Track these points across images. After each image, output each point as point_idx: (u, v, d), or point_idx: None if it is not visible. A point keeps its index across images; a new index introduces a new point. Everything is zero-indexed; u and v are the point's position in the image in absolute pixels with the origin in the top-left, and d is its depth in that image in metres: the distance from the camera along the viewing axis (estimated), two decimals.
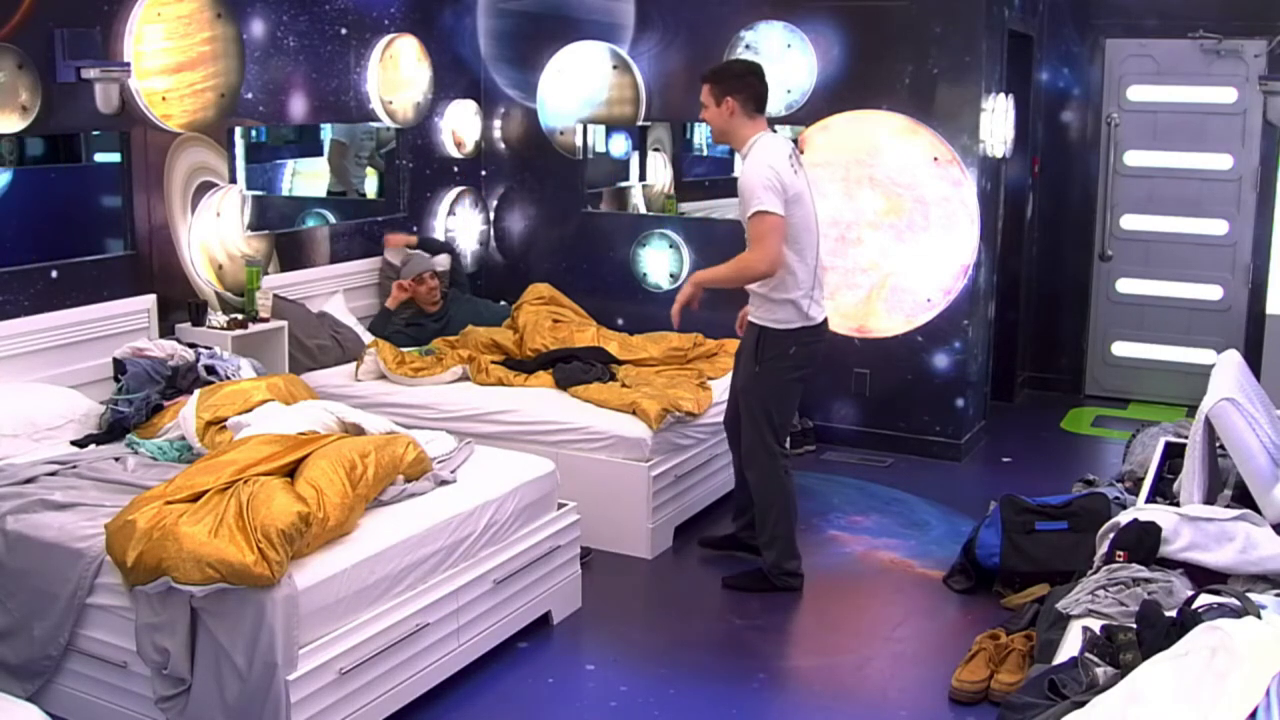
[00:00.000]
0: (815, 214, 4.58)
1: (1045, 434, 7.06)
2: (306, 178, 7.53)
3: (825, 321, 4.65)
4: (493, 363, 5.73)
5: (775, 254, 4.35)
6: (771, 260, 4.35)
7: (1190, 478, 3.67)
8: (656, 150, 8.31)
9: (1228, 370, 3.90)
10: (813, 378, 4.77)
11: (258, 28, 5.76)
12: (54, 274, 4.93)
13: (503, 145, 7.36)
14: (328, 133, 7.36)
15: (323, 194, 7.40)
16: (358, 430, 4.22)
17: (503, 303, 6.73)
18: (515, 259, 7.43)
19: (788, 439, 4.85)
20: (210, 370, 4.88)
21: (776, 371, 4.57)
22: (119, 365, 4.76)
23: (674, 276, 6.92)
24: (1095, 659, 2.66)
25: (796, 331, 4.52)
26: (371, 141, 7.23)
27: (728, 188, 7.93)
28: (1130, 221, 7.56)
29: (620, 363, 5.79)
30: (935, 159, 6.21)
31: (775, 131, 4.71)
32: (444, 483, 4.05)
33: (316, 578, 3.35)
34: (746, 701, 3.91)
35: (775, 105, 6.52)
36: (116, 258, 5.25)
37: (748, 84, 4.50)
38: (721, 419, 5.44)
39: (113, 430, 4.54)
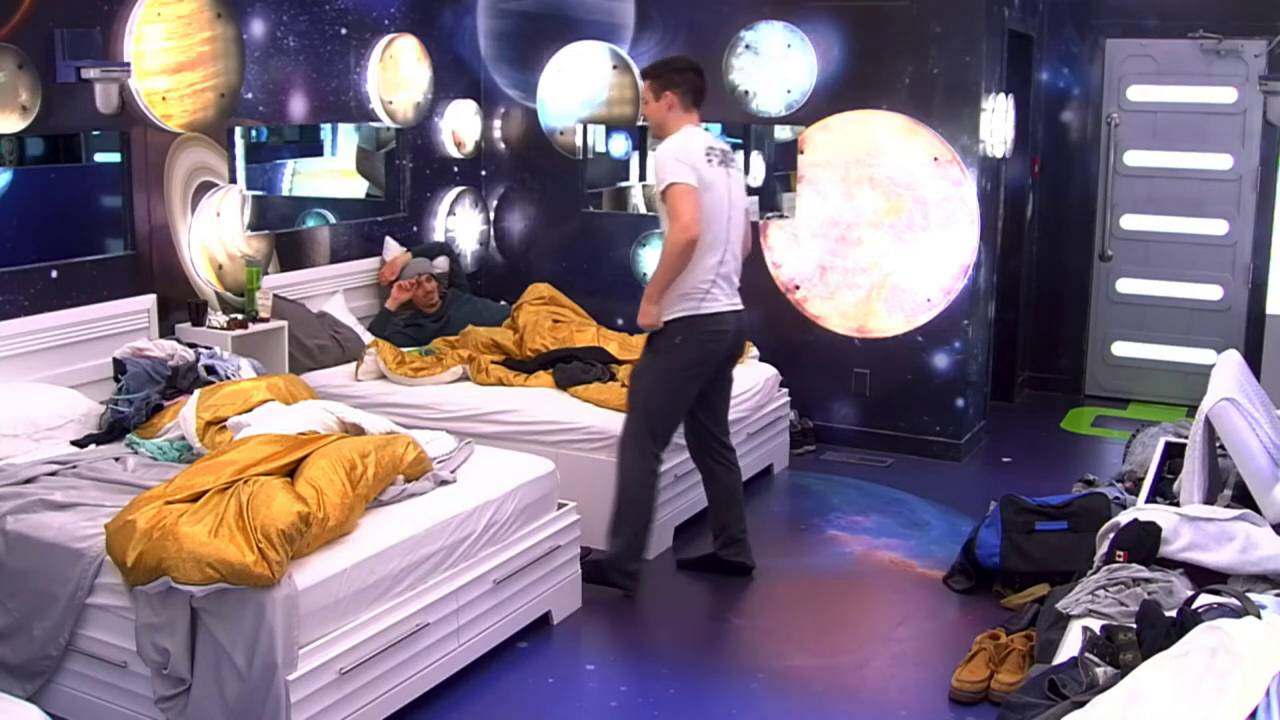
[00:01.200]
0: (732, 213, 4.51)
1: (1045, 434, 7.06)
2: (306, 178, 7.52)
3: (725, 317, 4.52)
4: (493, 363, 5.73)
5: (692, 218, 4.29)
6: (687, 226, 4.28)
7: (1190, 478, 3.67)
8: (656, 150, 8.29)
9: (1228, 370, 3.91)
10: (706, 377, 4.58)
11: (258, 28, 5.76)
12: (54, 274, 4.93)
13: (503, 145, 7.36)
14: (328, 133, 7.36)
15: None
16: (358, 430, 4.22)
17: (503, 303, 6.73)
18: (515, 259, 7.42)
19: (665, 444, 4.65)
20: (210, 370, 4.88)
21: (661, 363, 4.50)
22: (119, 365, 4.76)
23: None
24: (1095, 659, 2.66)
25: (686, 320, 4.44)
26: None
27: None
28: (1130, 221, 7.56)
29: (620, 363, 5.79)
30: (935, 159, 6.21)
31: (705, 128, 4.68)
32: (444, 483, 4.05)
33: (316, 578, 3.35)
34: (746, 701, 3.91)
35: (775, 105, 6.53)
36: (116, 258, 5.26)
37: (688, 79, 4.54)
38: None
39: (113, 430, 4.54)
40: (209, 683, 3.30)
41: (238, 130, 5.86)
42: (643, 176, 8.25)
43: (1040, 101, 7.57)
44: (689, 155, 4.39)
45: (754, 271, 6.63)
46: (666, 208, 4.37)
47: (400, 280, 6.36)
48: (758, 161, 7.94)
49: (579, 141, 7.13)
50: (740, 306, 4.63)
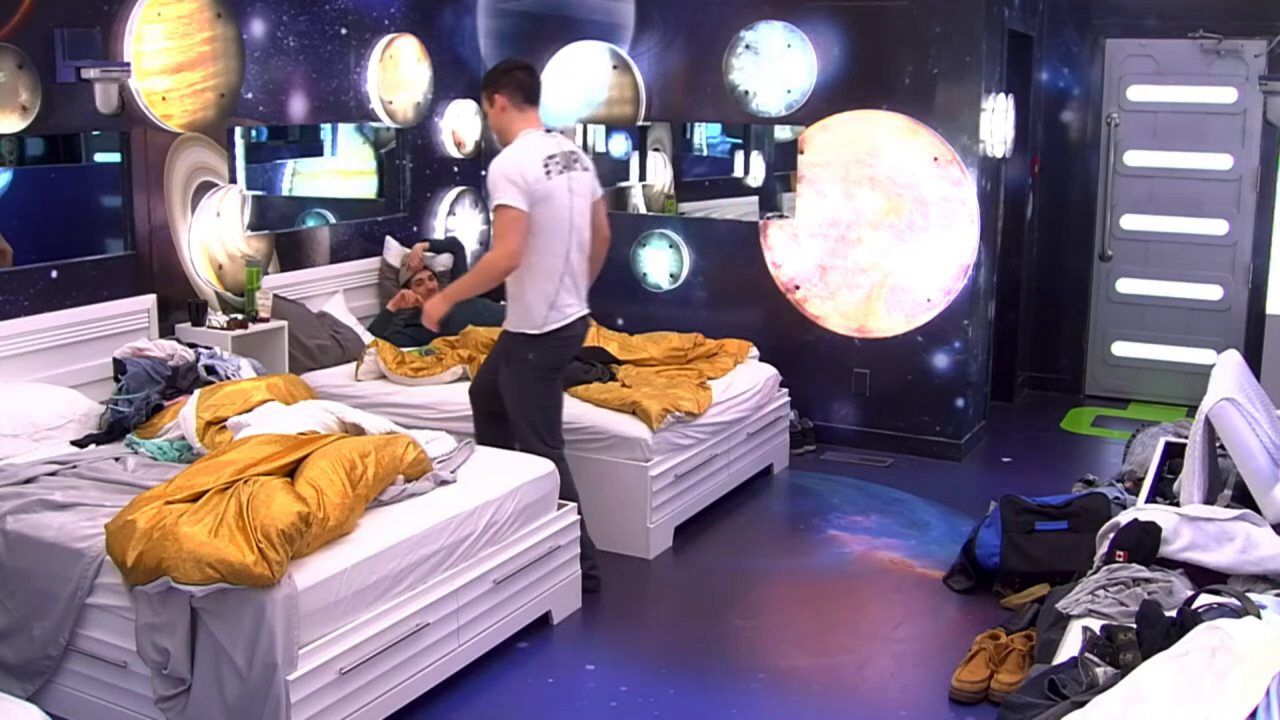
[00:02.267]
0: (574, 220, 4.46)
1: (1045, 434, 7.06)
2: (306, 178, 7.52)
3: (573, 325, 4.52)
4: None
5: (514, 248, 4.30)
6: (510, 254, 4.30)
7: (1190, 478, 3.67)
8: (656, 150, 8.30)
9: (1228, 370, 3.91)
10: (561, 373, 4.66)
11: (258, 28, 5.76)
12: (54, 274, 4.93)
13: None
14: (328, 133, 7.35)
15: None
16: (358, 430, 4.22)
17: (502, 303, 6.71)
18: None
19: (558, 439, 4.66)
20: (210, 370, 4.88)
21: (521, 375, 4.52)
22: (119, 365, 4.76)
23: (674, 276, 6.92)
24: (1095, 659, 2.66)
25: (533, 339, 4.45)
26: None
27: (728, 187, 7.94)
28: (1130, 221, 7.56)
29: (620, 363, 5.79)
30: (935, 159, 6.21)
31: (550, 130, 4.62)
32: (444, 483, 4.05)
33: (316, 578, 3.35)
34: (746, 701, 3.91)
35: (775, 105, 6.53)
36: (116, 258, 5.26)
37: (513, 78, 4.52)
38: (722, 418, 5.45)
39: (113, 430, 4.54)
40: (209, 683, 3.30)
41: (238, 130, 5.86)
42: (643, 176, 8.23)
43: (1040, 101, 7.57)
44: (522, 171, 4.31)
45: (754, 271, 6.67)
46: (494, 225, 4.36)
47: (404, 291, 6.35)
48: (758, 161, 7.94)
49: (579, 141, 7.12)
50: (586, 311, 4.62)
